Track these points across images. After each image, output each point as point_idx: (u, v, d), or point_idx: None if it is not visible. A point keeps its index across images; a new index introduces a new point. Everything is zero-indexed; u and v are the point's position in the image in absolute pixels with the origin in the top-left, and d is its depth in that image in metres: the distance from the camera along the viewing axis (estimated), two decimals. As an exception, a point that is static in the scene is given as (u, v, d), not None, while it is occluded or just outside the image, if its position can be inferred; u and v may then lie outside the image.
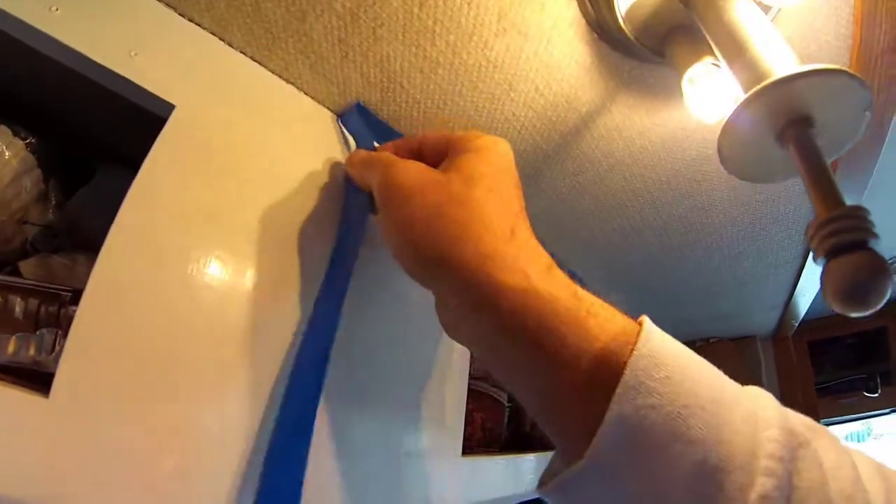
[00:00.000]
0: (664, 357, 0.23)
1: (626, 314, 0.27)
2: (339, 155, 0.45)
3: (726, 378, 0.25)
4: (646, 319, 0.25)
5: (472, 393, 0.72)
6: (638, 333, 0.23)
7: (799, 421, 0.24)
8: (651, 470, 0.21)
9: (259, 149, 0.39)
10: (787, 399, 1.47)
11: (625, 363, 0.22)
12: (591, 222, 0.67)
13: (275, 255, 0.37)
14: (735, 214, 0.66)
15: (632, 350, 0.22)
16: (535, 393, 0.25)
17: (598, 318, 0.24)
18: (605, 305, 0.26)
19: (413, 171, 0.30)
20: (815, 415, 1.56)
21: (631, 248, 0.75)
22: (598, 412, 0.21)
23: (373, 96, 0.46)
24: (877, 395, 1.61)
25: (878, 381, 1.65)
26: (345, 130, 0.47)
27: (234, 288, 0.34)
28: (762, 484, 0.20)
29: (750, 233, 0.72)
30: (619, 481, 0.21)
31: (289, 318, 0.36)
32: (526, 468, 0.71)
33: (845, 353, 1.63)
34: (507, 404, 0.86)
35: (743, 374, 1.39)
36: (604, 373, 0.22)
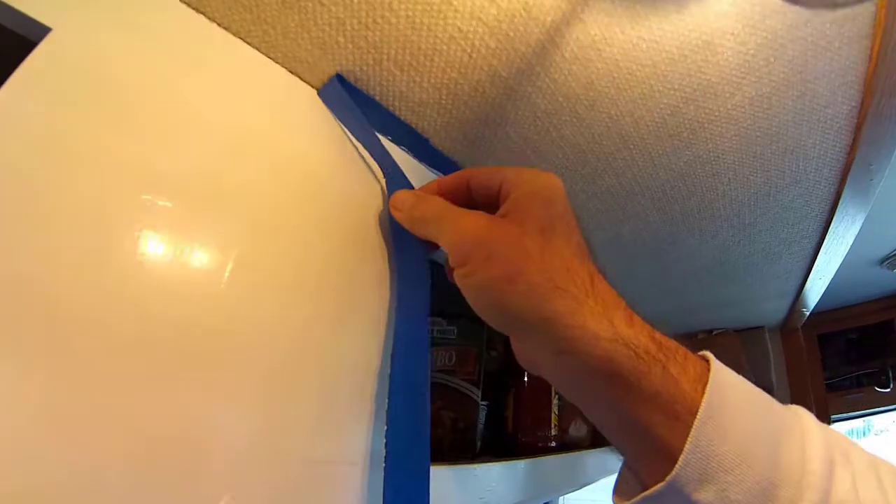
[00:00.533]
0: (730, 395, 0.26)
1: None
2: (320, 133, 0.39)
3: (776, 403, 0.28)
4: (712, 359, 0.28)
5: (438, 389, 0.62)
6: (708, 372, 0.27)
7: (835, 438, 0.28)
8: (720, 488, 0.24)
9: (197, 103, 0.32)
10: (796, 395, 1.36)
11: (699, 401, 0.25)
12: (572, 181, 0.55)
13: (246, 238, 0.31)
14: (746, 171, 0.54)
15: (704, 389, 0.26)
16: (618, 423, 0.28)
17: (675, 360, 0.27)
18: (678, 345, 0.28)
19: (485, 228, 0.30)
20: (826, 411, 1.48)
21: (623, 216, 0.64)
22: (677, 442, 0.25)
23: (291, 21, 0.36)
24: (889, 389, 1.52)
25: (891, 374, 1.59)
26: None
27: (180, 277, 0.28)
28: (809, 498, 0.24)
29: (763, 197, 0.61)
30: (692, 497, 0.25)
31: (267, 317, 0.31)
32: (493, 477, 0.61)
33: (847, 348, 1.61)
34: (482, 402, 0.75)
35: (750, 368, 1.28)
36: (682, 409, 0.26)
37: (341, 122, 0.41)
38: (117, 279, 0.26)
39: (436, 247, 0.36)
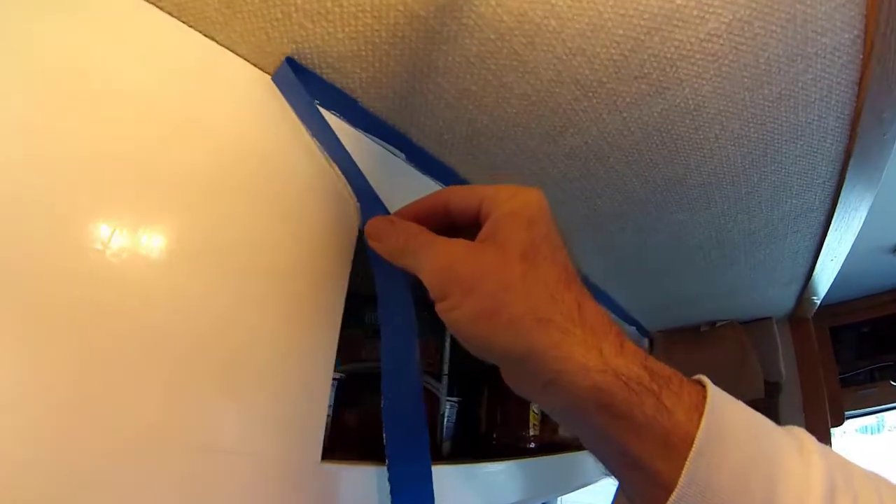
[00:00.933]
0: (727, 424, 0.25)
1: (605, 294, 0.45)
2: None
3: (776, 428, 0.27)
4: (709, 385, 0.27)
5: (378, 378, 0.54)
6: (704, 400, 0.26)
7: (837, 462, 0.26)
8: None
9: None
10: (808, 390, 1.26)
11: (695, 432, 0.24)
12: (528, 140, 0.48)
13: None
14: (734, 124, 0.46)
15: (700, 418, 0.25)
16: (612, 453, 0.27)
17: (669, 389, 0.26)
18: (672, 372, 0.27)
19: (464, 260, 0.28)
20: (839, 407, 1.38)
21: (596, 185, 0.56)
22: (673, 474, 0.24)
23: None
24: None
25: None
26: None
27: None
28: None
29: (759, 158, 0.52)
30: None
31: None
32: (455, 480, 0.53)
33: (859, 342, 1.55)
34: (451, 399, 0.68)
35: (759, 361, 1.19)
36: (677, 439, 0.25)
37: (297, 116, 0.40)
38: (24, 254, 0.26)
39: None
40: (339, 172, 0.40)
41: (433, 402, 0.59)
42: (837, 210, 0.65)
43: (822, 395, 1.28)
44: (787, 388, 1.24)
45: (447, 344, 0.63)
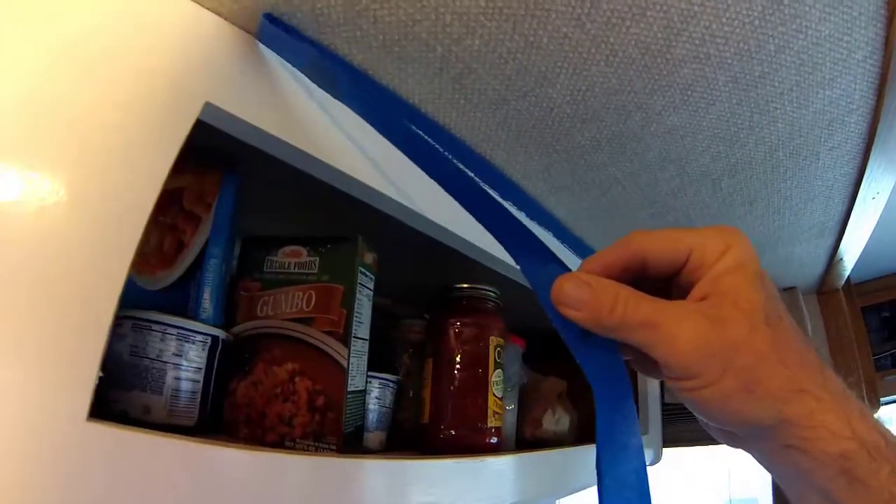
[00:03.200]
0: None
1: None
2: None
3: None
4: None
5: (286, 343, 0.45)
6: None
7: None
8: None
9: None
10: (841, 371, 1.08)
11: None
12: (428, 89, 0.32)
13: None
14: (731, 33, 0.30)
15: None
16: None
17: None
18: None
19: (714, 336, 0.25)
20: (876, 393, 1.23)
21: (581, 119, 0.40)
22: None
23: None
24: None
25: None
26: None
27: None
28: None
29: (776, 11, 0.36)
30: None
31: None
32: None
33: (881, 326, 1.46)
34: (389, 378, 0.52)
35: None
36: None
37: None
38: None
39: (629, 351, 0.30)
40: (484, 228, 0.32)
41: (337, 378, 0.43)
42: (884, 112, 0.49)
43: (858, 379, 1.10)
44: (817, 370, 1.07)
45: (359, 293, 0.46)
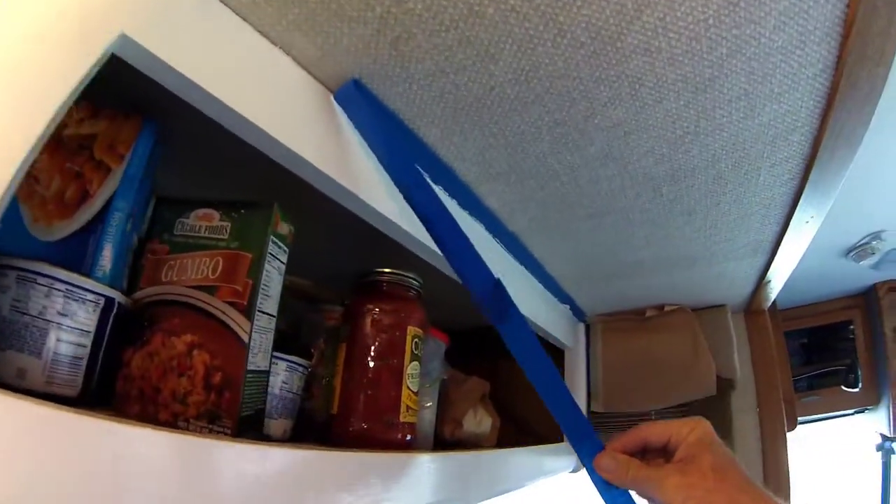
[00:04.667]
0: None
1: None
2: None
3: None
4: None
5: (183, 310, 0.41)
6: None
7: None
8: None
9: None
10: (763, 390, 1.10)
11: None
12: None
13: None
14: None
15: None
16: None
17: None
18: None
19: (685, 482, 0.41)
20: (794, 412, 1.24)
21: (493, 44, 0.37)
22: None
23: None
24: (857, 389, 1.40)
25: (859, 373, 1.44)
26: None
27: None
28: None
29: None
30: None
31: None
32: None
33: (799, 350, 1.53)
34: (287, 359, 0.48)
35: (711, 350, 1.04)
36: None
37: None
38: None
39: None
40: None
41: (237, 354, 0.38)
42: (827, 135, 0.48)
43: (777, 396, 1.13)
44: (740, 387, 1.09)
45: (268, 264, 0.42)
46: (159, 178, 0.42)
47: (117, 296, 0.36)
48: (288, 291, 0.47)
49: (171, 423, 0.38)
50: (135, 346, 0.40)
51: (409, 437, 0.52)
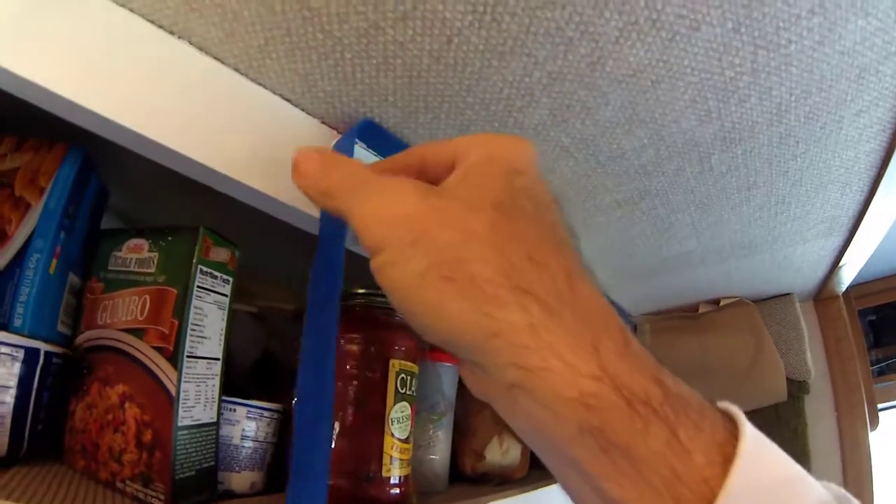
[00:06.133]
0: (762, 482, 0.18)
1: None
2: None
3: (815, 486, 0.19)
4: (741, 422, 0.19)
5: (114, 356, 0.36)
6: (733, 439, 0.19)
7: None
8: None
9: None
10: (842, 389, 0.94)
11: (717, 485, 0.17)
12: None
13: None
14: None
15: (726, 466, 0.18)
16: (588, 499, 0.20)
17: (687, 416, 0.19)
18: (691, 393, 0.20)
19: (412, 202, 0.22)
20: (875, 408, 1.05)
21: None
22: None
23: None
24: None
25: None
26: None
27: None
28: None
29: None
30: None
31: None
32: None
33: (866, 331, 1.35)
34: (253, 406, 0.40)
35: (779, 348, 0.90)
36: (689, 493, 0.18)
37: None
38: None
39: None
40: None
41: (164, 408, 0.30)
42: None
43: (859, 398, 0.97)
44: (814, 389, 0.94)
45: (197, 299, 0.35)
46: (135, 210, 0.39)
47: (42, 345, 0.34)
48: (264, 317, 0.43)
49: (111, 483, 0.34)
50: (76, 397, 0.37)
51: (397, 492, 0.41)
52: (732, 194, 0.49)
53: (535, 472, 0.70)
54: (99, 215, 0.42)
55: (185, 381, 0.34)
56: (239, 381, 0.52)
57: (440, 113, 0.37)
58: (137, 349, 0.35)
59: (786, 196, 0.50)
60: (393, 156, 0.28)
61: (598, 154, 0.41)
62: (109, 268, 0.39)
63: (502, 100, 0.36)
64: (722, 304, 0.93)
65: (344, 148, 0.36)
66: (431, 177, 0.25)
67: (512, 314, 0.19)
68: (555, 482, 0.54)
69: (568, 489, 0.22)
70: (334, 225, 0.30)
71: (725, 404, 0.20)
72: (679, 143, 0.40)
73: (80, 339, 0.38)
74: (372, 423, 0.40)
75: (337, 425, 0.40)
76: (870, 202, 0.55)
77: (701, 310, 0.95)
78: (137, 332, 0.35)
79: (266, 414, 0.44)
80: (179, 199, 0.41)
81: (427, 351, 0.52)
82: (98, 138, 0.28)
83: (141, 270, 0.37)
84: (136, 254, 0.38)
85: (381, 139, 0.37)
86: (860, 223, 0.60)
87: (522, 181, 0.22)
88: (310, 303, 0.30)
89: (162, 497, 0.32)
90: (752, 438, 0.19)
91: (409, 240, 0.20)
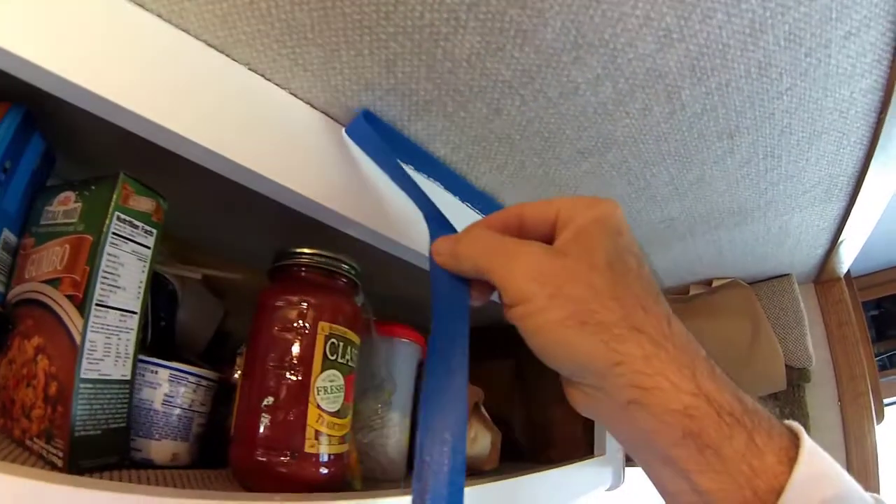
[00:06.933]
0: (820, 480, 0.23)
1: None
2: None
3: (865, 497, 0.25)
4: (802, 433, 0.25)
5: (32, 309, 0.34)
6: (795, 447, 0.24)
7: None
8: None
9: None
10: (845, 378, 0.88)
11: (785, 480, 0.23)
12: None
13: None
14: None
15: (791, 465, 0.23)
16: (680, 490, 0.25)
17: (761, 426, 0.24)
18: (763, 410, 0.26)
19: (547, 263, 0.26)
20: (880, 399, 0.99)
21: None
22: None
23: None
24: None
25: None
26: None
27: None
28: None
29: None
30: None
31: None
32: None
33: (869, 324, 1.33)
34: (188, 372, 0.37)
35: (777, 334, 0.84)
36: (764, 485, 0.23)
37: (373, 159, 0.39)
38: None
39: (484, 291, 0.32)
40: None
41: (68, 355, 0.29)
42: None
43: (864, 387, 0.91)
44: (815, 377, 0.88)
45: (111, 246, 0.33)
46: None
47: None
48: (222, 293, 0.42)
49: (21, 441, 0.33)
50: (1, 353, 0.36)
51: (323, 472, 0.36)
52: (713, 142, 0.43)
53: (506, 465, 0.65)
54: (43, 177, 0.40)
55: (91, 331, 0.32)
56: (190, 356, 0.48)
57: (363, 48, 0.32)
58: (53, 299, 0.33)
59: (774, 147, 0.45)
60: (494, 213, 0.32)
61: (547, 89, 0.36)
62: (41, 223, 0.37)
63: (425, 26, 0.31)
64: (714, 284, 0.88)
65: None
66: (530, 233, 0.30)
67: (631, 348, 0.24)
68: (529, 474, 0.49)
69: (660, 483, 0.27)
70: (454, 293, 0.32)
71: (790, 423, 0.26)
72: (640, 74, 0.35)
73: (10, 295, 0.37)
74: (296, 392, 0.35)
75: (265, 395, 0.36)
76: (870, 159, 0.49)
77: (692, 292, 0.89)
78: (54, 282, 0.34)
79: (192, 379, 0.40)
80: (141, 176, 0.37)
81: (373, 322, 0.47)
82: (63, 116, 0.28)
83: (65, 221, 0.36)
84: (63, 206, 0.36)
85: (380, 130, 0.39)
86: (860, 187, 0.55)
87: (623, 241, 0.27)
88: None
89: (61, 454, 0.30)
90: (810, 445, 0.24)
91: (547, 294, 0.25)
